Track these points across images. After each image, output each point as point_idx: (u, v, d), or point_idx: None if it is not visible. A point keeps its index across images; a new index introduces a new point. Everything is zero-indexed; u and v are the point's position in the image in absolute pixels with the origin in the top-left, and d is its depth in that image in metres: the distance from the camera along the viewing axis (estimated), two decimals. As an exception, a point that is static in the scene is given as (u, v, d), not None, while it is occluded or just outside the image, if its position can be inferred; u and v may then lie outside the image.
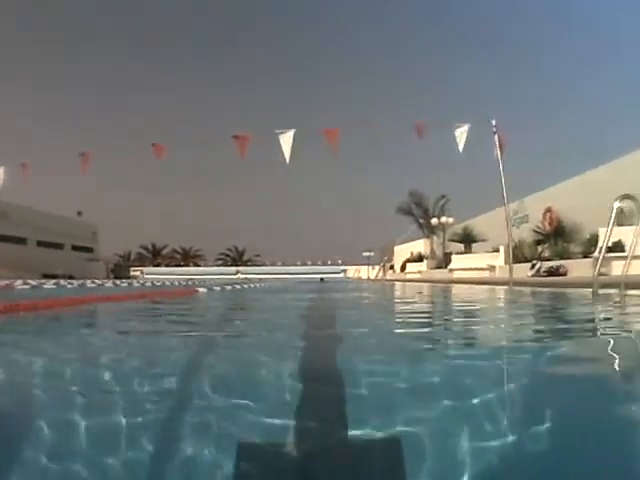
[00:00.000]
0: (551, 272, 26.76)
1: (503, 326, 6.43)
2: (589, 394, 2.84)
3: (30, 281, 28.88)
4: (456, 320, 7.64)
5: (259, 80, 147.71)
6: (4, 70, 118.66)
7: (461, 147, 21.64)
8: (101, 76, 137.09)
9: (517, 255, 30.41)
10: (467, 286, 23.64)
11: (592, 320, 7.10)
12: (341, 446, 2.43)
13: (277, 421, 2.50)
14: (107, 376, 3.04)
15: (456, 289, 21.07)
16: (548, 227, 34.85)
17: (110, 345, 4.43)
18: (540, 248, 33.08)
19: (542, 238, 34.33)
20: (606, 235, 11.23)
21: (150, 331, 6.07)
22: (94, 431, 2.49)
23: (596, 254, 18.17)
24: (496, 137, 20.74)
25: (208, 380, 2.90)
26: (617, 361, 3.39)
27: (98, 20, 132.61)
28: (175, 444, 2.43)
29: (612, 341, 4.27)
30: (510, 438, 2.41)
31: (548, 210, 35.67)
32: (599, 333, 5.33)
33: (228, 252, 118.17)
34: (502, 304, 11.38)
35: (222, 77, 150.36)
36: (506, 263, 23.30)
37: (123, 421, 2.60)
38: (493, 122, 21.08)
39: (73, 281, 34.66)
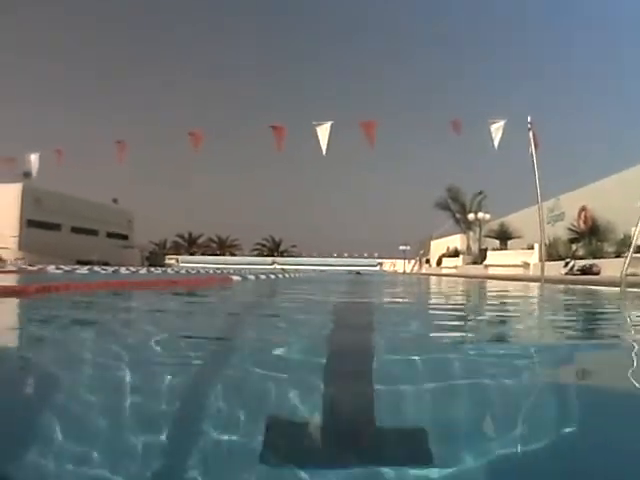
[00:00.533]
0: (584, 271, 26.72)
1: (522, 320, 6.72)
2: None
3: (63, 266, 29.33)
4: (478, 311, 7.94)
5: (300, 70, 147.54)
6: (36, 57, 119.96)
7: (496, 143, 21.60)
8: (133, 66, 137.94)
9: (552, 253, 30.45)
10: (498, 282, 23.79)
11: (606, 317, 7.35)
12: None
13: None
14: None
15: (486, 284, 21.31)
16: (583, 226, 34.67)
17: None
18: (574, 246, 33.06)
19: (577, 237, 34.29)
20: (634, 235, 11.36)
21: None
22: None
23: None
24: (531, 134, 20.72)
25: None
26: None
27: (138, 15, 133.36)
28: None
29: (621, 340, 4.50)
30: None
31: (583, 209, 35.50)
32: (610, 331, 5.55)
33: (265, 242, 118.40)
34: (528, 300, 11.62)
35: (264, 68, 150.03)
36: (540, 260, 23.34)
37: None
38: (528, 119, 21.08)
39: (107, 267, 35.13)
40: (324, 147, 22.13)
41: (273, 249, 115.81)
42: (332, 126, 22.36)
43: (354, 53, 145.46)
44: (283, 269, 55.09)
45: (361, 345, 3.86)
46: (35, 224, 59.82)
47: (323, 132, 22.14)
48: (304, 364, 3.21)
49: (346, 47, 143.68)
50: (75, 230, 67.14)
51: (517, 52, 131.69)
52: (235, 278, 19.26)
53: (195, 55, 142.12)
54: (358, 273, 49.48)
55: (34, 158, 26.70)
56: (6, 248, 55.42)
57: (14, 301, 7.55)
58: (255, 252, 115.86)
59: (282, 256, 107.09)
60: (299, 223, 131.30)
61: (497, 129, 21.62)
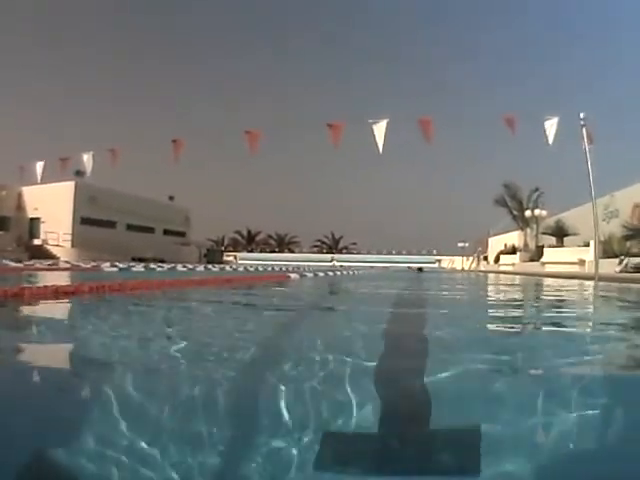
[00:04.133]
0: (638, 268, 26.70)
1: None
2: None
3: (118, 264, 29.69)
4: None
5: (354, 69, 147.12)
6: (96, 54, 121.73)
7: (551, 140, 21.81)
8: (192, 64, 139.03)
9: (607, 250, 30.56)
10: (553, 280, 23.82)
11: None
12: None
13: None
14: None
15: (539, 282, 21.43)
16: (636, 222, 34.57)
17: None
18: (629, 244, 32.94)
19: (631, 234, 34.12)
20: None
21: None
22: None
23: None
24: (584, 131, 20.73)
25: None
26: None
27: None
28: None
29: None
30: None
31: (637, 206, 35.39)
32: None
33: (324, 239, 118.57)
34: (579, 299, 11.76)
35: (319, 67, 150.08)
36: (595, 258, 23.42)
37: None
38: (582, 115, 21.09)
39: (163, 265, 35.45)
40: (381, 145, 22.31)
41: (332, 246, 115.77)
42: (388, 123, 22.51)
43: (411, 50, 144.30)
44: (342, 266, 55.26)
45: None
46: (89, 221, 61.22)
47: (379, 130, 22.31)
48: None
49: (402, 44, 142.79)
50: (130, 227, 68.55)
51: (568, 48, 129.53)
52: (292, 276, 19.37)
53: (249, 54, 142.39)
54: (420, 270, 49.27)
55: (87, 157, 27.25)
56: (59, 246, 56.57)
57: (67, 302, 7.61)
58: (314, 249, 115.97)
59: (341, 253, 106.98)
60: (358, 220, 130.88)
61: (551, 125, 21.72)
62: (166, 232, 77.14)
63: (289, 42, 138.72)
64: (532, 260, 49.29)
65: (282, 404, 2.44)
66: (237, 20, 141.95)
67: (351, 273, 28.83)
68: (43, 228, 60.31)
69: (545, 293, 14.06)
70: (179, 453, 2.16)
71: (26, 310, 6.51)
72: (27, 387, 2.88)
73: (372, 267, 56.35)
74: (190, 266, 33.85)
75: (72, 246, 57.97)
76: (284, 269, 31.74)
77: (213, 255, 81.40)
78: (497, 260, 63.16)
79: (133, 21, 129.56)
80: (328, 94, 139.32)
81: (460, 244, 78.17)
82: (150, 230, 73.22)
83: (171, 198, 78.44)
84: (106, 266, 26.19)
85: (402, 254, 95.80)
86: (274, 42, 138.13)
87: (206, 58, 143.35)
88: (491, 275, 35.99)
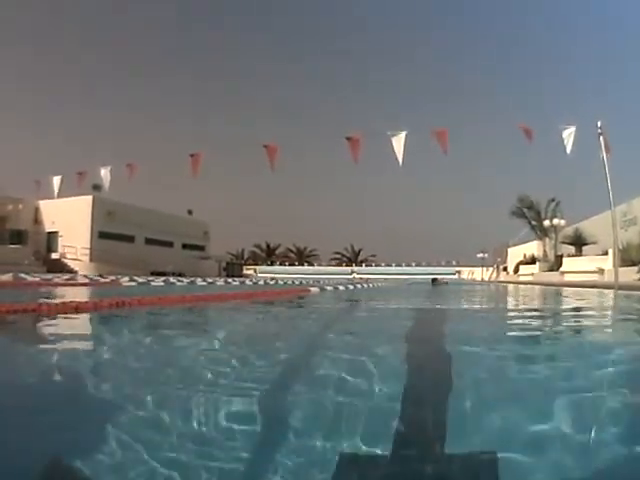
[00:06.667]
0: None
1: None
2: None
3: (137, 278, 29.69)
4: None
5: (373, 79, 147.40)
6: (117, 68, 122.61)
7: (569, 149, 21.56)
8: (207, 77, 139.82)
9: (625, 258, 30.40)
10: (572, 289, 23.78)
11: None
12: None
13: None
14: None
15: (561, 292, 21.39)
16: None
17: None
18: None
19: None
20: None
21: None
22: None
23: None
24: (602, 139, 20.56)
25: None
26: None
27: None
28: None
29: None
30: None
31: None
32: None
33: (344, 252, 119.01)
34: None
35: (335, 78, 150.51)
36: (614, 267, 23.29)
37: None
38: (599, 124, 20.92)
39: (183, 279, 35.44)
40: (400, 157, 22.08)
41: (352, 259, 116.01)
42: (407, 135, 22.31)
43: (421, 59, 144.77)
44: (362, 278, 55.29)
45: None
46: (107, 236, 61.54)
47: (398, 142, 22.11)
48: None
49: (413, 52, 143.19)
50: (149, 241, 68.83)
51: (583, 53, 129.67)
52: (313, 289, 19.22)
53: (268, 68, 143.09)
54: (434, 280, 48.68)
55: (105, 172, 27.17)
56: (78, 260, 56.76)
57: (86, 317, 7.47)
58: (334, 262, 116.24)
59: (361, 266, 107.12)
60: (378, 232, 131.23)
61: (569, 135, 21.52)
62: (185, 246, 77.46)
63: (308, 55, 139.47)
64: (551, 270, 49.82)
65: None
66: (256, 34, 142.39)
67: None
68: (61, 242, 60.65)
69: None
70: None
71: (43, 326, 6.35)
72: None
73: (386, 279, 56.41)
74: (210, 280, 33.70)
75: (90, 260, 58.14)
76: (304, 282, 31.68)
77: (233, 269, 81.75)
78: (516, 270, 63.84)
79: (152, 37, 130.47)
80: (346, 106, 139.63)
81: (479, 255, 79.65)
82: (169, 244, 73.61)
83: (190, 212, 78.82)
84: (125, 280, 26.19)
85: (422, 266, 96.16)
86: (292, 55, 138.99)
87: (223, 72, 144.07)
88: (519, 286, 35.80)
